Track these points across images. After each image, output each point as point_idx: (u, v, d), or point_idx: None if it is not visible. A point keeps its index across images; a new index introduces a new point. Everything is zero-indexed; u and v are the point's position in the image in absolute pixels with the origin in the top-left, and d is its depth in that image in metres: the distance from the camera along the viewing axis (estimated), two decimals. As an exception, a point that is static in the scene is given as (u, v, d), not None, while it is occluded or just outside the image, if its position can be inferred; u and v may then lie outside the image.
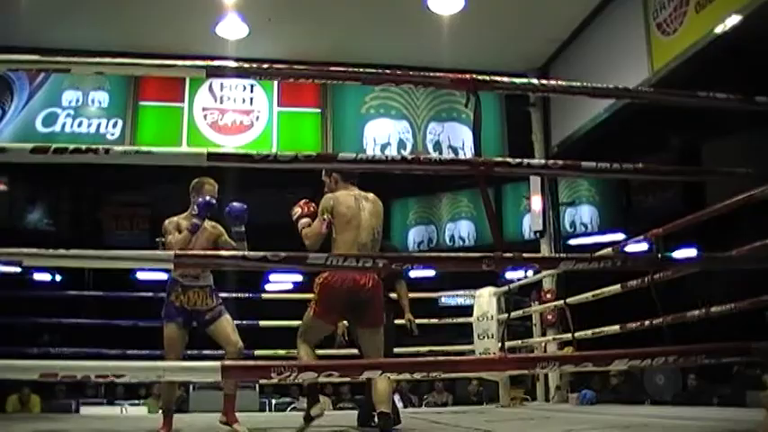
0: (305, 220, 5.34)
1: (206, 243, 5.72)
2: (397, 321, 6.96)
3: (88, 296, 14.85)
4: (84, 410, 10.84)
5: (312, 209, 5.40)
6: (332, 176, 5.43)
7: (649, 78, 7.74)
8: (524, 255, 3.64)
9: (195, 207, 5.57)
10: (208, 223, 5.79)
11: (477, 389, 11.84)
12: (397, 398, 11.79)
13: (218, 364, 3.06)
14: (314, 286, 5.22)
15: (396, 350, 8.80)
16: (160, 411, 6.11)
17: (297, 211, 5.46)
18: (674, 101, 4.28)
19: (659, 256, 5.68)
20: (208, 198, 5.56)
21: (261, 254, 3.11)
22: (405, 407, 11.44)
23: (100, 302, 14.82)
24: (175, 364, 3.69)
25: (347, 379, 8.31)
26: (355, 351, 6.31)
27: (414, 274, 15.48)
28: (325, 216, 5.18)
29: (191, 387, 9.83)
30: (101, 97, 9.65)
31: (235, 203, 5.66)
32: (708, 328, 5.95)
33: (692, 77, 7.30)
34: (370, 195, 5.44)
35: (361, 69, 3.66)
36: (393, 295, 6.74)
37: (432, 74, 3.66)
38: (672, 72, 7.47)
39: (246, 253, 3.12)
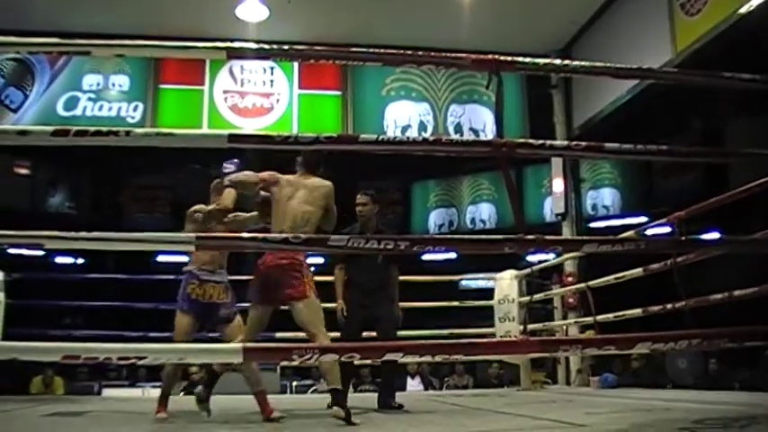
0: (229, 190, 5.46)
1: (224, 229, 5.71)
2: (403, 304, 6.99)
3: (109, 279, 14.93)
4: (107, 392, 10.92)
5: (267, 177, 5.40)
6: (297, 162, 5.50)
7: (672, 59, 7.67)
8: (547, 237, 3.61)
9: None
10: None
11: (498, 372, 11.81)
12: (417, 381, 11.86)
13: (239, 345, 3.07)
14: None
15: (416, 333, 8.85)
16: (182, 393, 6.24)
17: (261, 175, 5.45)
18: (699, 82, 4.23)
19: (682, 238, 5.62)
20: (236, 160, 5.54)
21: (282, 236, 3.11)
22: (425, 389, 11.47)
23: (121, 285, 14.89)
24: (197, 346, 3.69)
25: (368, 361, 8.30)
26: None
27: (434, 257, 15.53)
28: (262, 194, 5.36)
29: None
30: (121, 81, 9.69)
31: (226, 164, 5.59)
32: (727, 312, 5.92)
33: (717, 58, 7.23)
34: (311, 182, 5.39)
35: (382, 50, 3.63)
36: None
37: (453, 55, 3.62)
38: (696, 53, 7.39)
39: (267, 235, 3.12)
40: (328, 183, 5.45)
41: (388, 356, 3.15)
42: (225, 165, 5.56)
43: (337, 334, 6.59)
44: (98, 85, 9.63)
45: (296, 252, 5.05)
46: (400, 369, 8.37)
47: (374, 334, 6.81)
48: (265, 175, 5.38)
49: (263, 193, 5.43)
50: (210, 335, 6.41)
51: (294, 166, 5.49)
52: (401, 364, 10.62)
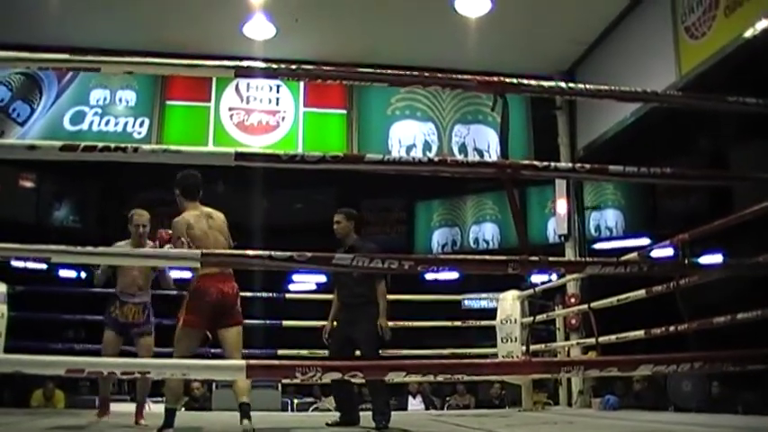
0: (168, 246, 5.63)
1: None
2: (405, 324, 6.97)
3: (113, 293, 14.94)
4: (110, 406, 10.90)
5: (168, 236, 5.71)
6: (176, 191, 5.83)
7: (677, 82, 7.69)
8: (550, 258, 3.63)
9: None
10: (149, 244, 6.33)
11: (500, 392, 11.79)
12: (418, 400, 11.85)
13: (243, 362, 3.06)
14: (184, 301, 5.63)
15: (418, 352, 8.84)
16: (183, 409, 6.47)
17: (158, 242, 5.85)
18: (703, 105, 4.24)
19: (686, 261, 5.63)
20: None
21: (287, 254, 3.12)
22: (427, 408, 11.45)
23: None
24: (201, 363, 3.70)
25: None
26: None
27: (436, 276, 15.52)
28: (183, 239, 5.47)
29: (213, 385, 9.87)
30: (128, 96, 9.73)
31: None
32: (731, 333, 5.91)
33: (721, 81, 7.26)
34: (213, 212, 5.76)
35: (388, 71, 3.65)
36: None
37: (458, 76, 3.65)
38: (700, 76, 7.41)
39: (273, 253, 3.12)
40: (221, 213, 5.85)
41: (391, 375, 3.16)
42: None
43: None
44: (105, 100, 9.68)
45: (233, 280, 5.60)
46: (392, 388, 8.28)
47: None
48: (179, 230, 5.58)
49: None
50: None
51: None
52: (401, 384, 10.61)
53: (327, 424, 6.39)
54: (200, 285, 5.46)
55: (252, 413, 5.25)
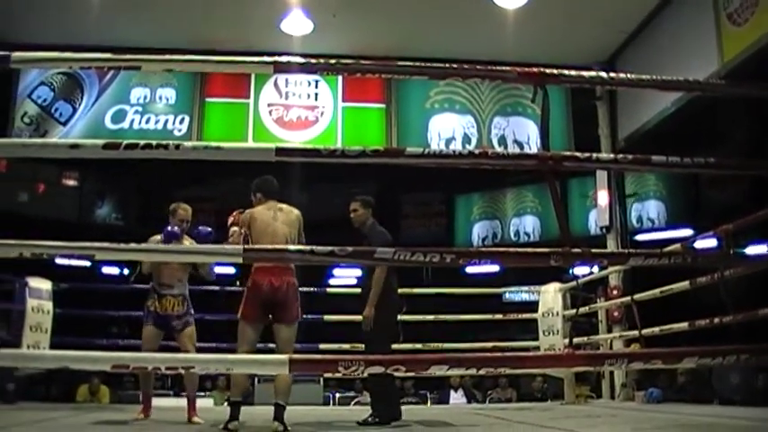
0: (234, 228, 5.94)
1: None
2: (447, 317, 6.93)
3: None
4: (152, 401, 11.00)
5: (239, 218, 5.95)
6: (256, 195, 6.03)
7: (719, 70, 7.56)
8: (593, 250, 3.59)
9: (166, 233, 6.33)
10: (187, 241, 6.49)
11: (542, 386, 11.73)
12: (460, 393, 11.82)
13: (285, 357, 3.07)
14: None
15: (460, 345, 8.82)
16: (225, 403, 6.54)
17: (230, 219, 6.05)
18: (747, 94, 4.18)
19: (731, 252, 5.56)
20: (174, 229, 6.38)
21: (328, 248, 3.12)
22: (468, 402, 11.43)
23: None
24: (244, 357, 3.72)
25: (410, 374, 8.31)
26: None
27: (477, 269, 15.47)
28: (243, 230, 5.79)
29: (256, 379, 9.93)
30: (168, 94, 9.80)
31: (202, 228, 6.41)
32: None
33: (765, 68, 7.13)
34: (285, 207, 5.97)
35: (427, 64, 3.64)
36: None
37: (498, 68, 3.62)
38: (743, 63, 7.28)
39: (314, 247, 3.13)
40: (297, 210, 6.04)
41: (433, 369, 3.15)
42: (200, 230, 6.40)
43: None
44: (145, 98, 9.76)
45: (293, 274, 5.73)
46: (433, 381, 8.03)
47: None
48: (242, 220, 5.88)
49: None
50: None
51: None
52: (443, 378, 10.58)
53: (359, 423, 6.22)
54: (254, 278, 5.63)
55: (294, 407, 5.27)
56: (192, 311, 6.68)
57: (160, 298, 6.51)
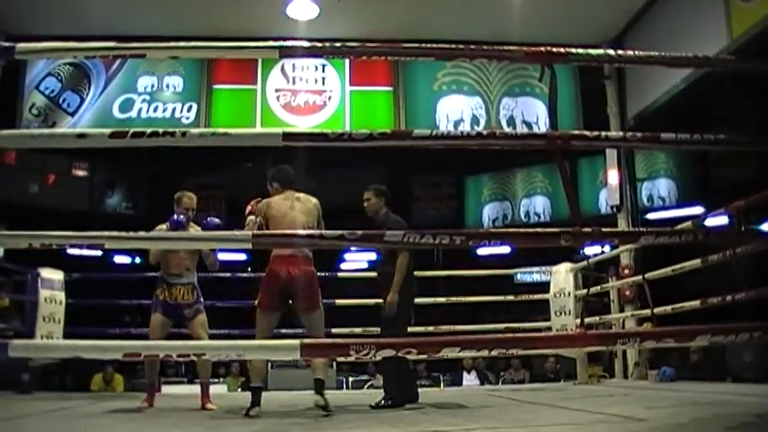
0: (250, 217, 5.87)
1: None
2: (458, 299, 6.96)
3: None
4: (166, 389, 11.05)
5: (257, 207, 5.92)
6: (273, 185, 6.02)
7: (728, 46, 7.48)
8: (603, 229, 3.58)
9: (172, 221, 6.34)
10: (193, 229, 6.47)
11: (555, 366, 11.75)
12: (473, 375, 11.84)
13: (297, 342, 3.07)
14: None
15: (471, 327, 8.82)
16: (239, 389, 6.58)
17: (248, 208, 5.98)
18: (758, 69, 4.14)
19: (742, 229, 5.53)
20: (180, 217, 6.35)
21: (338, 232, 3.12)
22: (481, 384, 11.45)
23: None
24: (255, 343, 3.73)
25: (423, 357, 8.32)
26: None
27: (488, 251, 15.46)
28: (258, 219, 5.76)
29: (270, 365, 9.97)
30: (175, 82, 9.80)
31: (210, 219, 6.29)
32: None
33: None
34: (302, 196, 5.95)
35: (434, 45, 3.62)
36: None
37: (505, 47, 3.60)
38: (753, 39, 7.19)
39: (324, 231, 3.13)
40: (315, 199, 6.03)
41: (445, 351, 3.14)
42: (209, 221, 6.28)
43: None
44: (152, 86, 9.76)
45: (311, 263, 5.75)
46: (446, 364, 8.03)
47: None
48: (259, 209, 5.86)
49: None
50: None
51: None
52: (456, 360, 10.60)
53: (371, 406, 6.28)
54: (271, 267, 5.67)
55: (307, 392, 5.32)
56: (202, 299, 6.69)
57: (169, 287, 6.52)
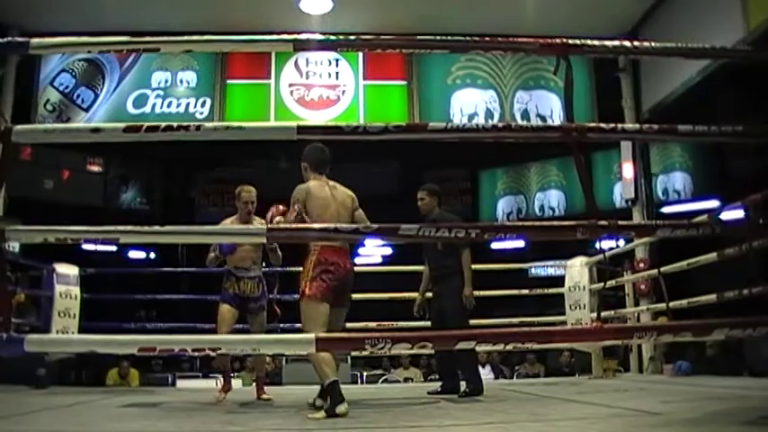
0: (278, 218, 5.48)
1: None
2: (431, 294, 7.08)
3: (182, 272, 15.16)
4: (181, 384, 11.10)
5: (279, 211, 5.58)
6: (303, 166, 5.69)
7: (745, 38, 7.42)
8: (620, 222, 3.55)
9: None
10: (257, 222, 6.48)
11: (569, 360, 11.70)
12: (487, 369, 11.82)
13: (312, 336, 3.07)
14: (306, 270, 5.32)
15: (486, 321, 8.80)
16: (253, 384, 6.66)
17: (270, 213, 5.59)
18: (774, 60, 4.10)
19: (759, 222, 5.48)
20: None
21: (352, 226, 3.11)
22: (496, 378, 11.42)
23: (193, 278, 15.15)
24: (270, 337, 3.73)
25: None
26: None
27: (502, 245, 15.43)
28: (296, 206, 5.32)
29: (284, 360, 9.98)
30: (189, 77, 9.80)
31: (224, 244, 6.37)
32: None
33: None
34: (339, 186, 5.65)
35: (448, 37, 3.60)
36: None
37: (520, 39, 3.58)
38: (770, 29, 7.14)
39: (339, 225, 3.12)
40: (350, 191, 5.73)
41: (461, 345, 3.13)
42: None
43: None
44: (166, 82, 9.77)
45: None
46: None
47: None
48: (297, 196, 5.45)
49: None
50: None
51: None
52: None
53: (429, 393, 6.74)
54: (325, 257, 5.26)
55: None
56: (267, 294, 6.86)
57: (238, 280, 6.65)
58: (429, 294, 7.24)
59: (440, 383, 7.06)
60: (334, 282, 5.25)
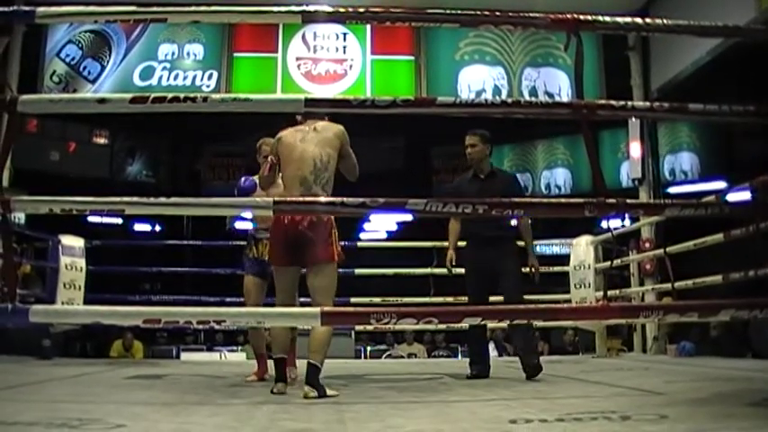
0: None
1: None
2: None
3: (187, 245, 15.21)
4: (185, 356, 11.16)
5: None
6: (297, 118, 5.17)
7: (757, 18, 7.36)
8: (628, 200, 3.54)
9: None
10: None
11: (573, 339, 11.72)
12: (491, 346, 11.83)
13: (317, 309, 3.07)
14: None
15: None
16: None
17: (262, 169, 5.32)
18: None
19: (767, 203, 5.45)
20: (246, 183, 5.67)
21: (360, 199, 3.09)
22: (500, 355, 11.44)
23: (199, 251, 15.19)
24: (275, 310, 3.73)
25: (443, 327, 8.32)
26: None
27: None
28: (270, 158, 5.12)
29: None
30: (196, 50, 9.76)
31: (243, 183, 5.63)
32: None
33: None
34: (323, 124, 5.05)
35: (458, 11, 3.56)
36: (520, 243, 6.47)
37: (531, 14, 3.55)
38: (782, 9, 7.08)
39: (345, 199, 3.10)
40: (339, 125, 5.11)
41: (466, 321, 3.12)
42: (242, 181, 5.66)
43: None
44: (173, 54, 9.72)
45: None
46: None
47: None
48: (271, 147, 5.24)
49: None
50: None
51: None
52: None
53: (468, 377, 5.98)
54: (277, 217, 4.88)
55: (326, 360, 5.00)
56: None
57: (257, 242, 6.18)
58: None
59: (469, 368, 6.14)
60: (282, 239, 4.88)
